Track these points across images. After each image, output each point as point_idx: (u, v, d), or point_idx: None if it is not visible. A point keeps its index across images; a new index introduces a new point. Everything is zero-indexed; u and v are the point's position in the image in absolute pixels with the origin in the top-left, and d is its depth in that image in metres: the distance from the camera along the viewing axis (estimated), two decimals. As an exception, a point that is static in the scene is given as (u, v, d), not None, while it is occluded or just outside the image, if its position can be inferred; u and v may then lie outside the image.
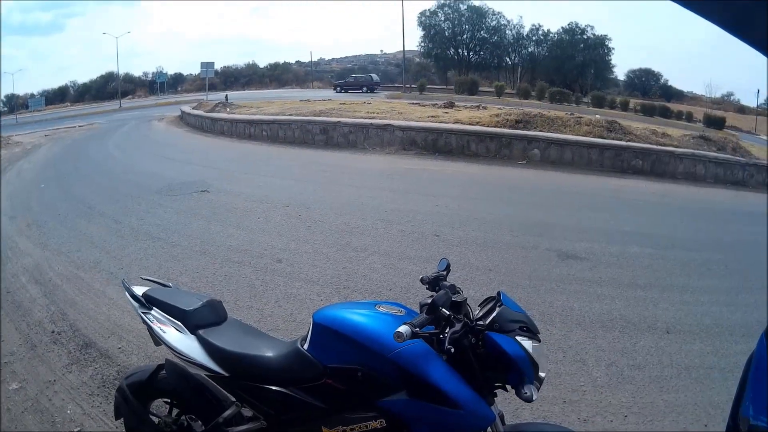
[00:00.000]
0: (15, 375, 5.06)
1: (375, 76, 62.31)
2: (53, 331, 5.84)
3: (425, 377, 2.25)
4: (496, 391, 2.36)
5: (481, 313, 2.43)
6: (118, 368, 4.94)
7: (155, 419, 3.14)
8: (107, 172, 16.83)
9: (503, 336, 2.25)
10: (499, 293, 2.47)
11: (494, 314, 2.33)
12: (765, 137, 34.36)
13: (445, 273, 2.67)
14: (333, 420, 2.47)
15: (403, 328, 2.05)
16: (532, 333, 2.32)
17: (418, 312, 2.38)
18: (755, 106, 54.15)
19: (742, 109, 57.89)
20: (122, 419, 3.24)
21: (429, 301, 2.29)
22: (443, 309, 2.24)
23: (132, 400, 3.08)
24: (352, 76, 63.08)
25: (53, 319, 6.18)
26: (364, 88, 54.54)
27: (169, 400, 3.17)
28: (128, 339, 5.47)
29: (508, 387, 2.30)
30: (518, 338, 2.25)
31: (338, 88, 56.93)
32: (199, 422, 3.04)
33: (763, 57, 1.18)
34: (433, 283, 2.59)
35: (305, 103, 30.34)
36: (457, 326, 2.22)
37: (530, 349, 2.25)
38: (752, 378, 1.29)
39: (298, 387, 2.54)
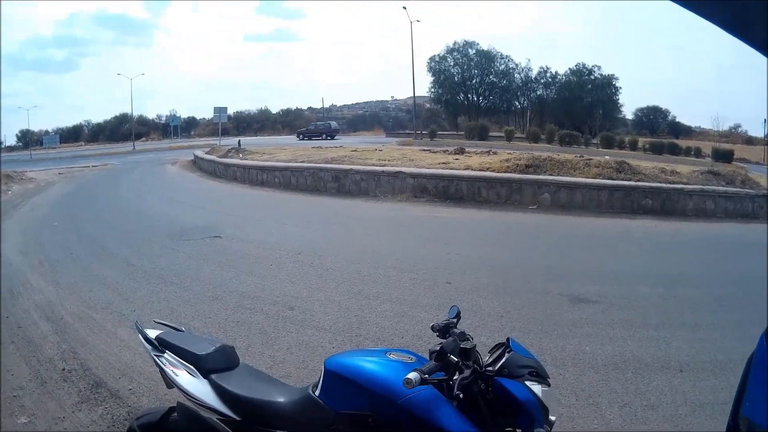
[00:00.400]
0: (24, 409, 5.06)
1: (334, 123, 67.47)
2: (64, 369, 5.86)
3: (435, 423, 2.26)
4: None
5: (490, 359, 2.45)
6: (128, 409, 4.93)
7: None
8: (120, 214, 16.98)
9: (512, 381, 2.27)
10: (508, 339, 2.51)
11: (503, 360, 2.35)
12: (768, 166, 34.18)
13: (455, 320, 2.69)
14: None
15: (413, 375, 2.08)
16: (541, 377, 2.34)
17: (428, 359, 2.40)
18: (763, 135, 54.44)
19: (750, 140, 58.03)
20: None
21: (438, 348, 2.32)
22: (451, 356, 2.27)
23: None
24: (313, 123, 67.94)
25: (64, 356, 6.19)
26: (324, 135, 59.36)
27: None
28: (139, 381, 5.47)
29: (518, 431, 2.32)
30: (527, 383, 2.27)
31: (301, 136, 61.73)
32: None
33: (763, 57, 1.21)
34: (444, 330, 2.61)
35: (317, 150, 30.58)
36: (466, 372, 2.26)
37: (540, 394, 2.27)
38: (752, 378, 1.31)
39: None
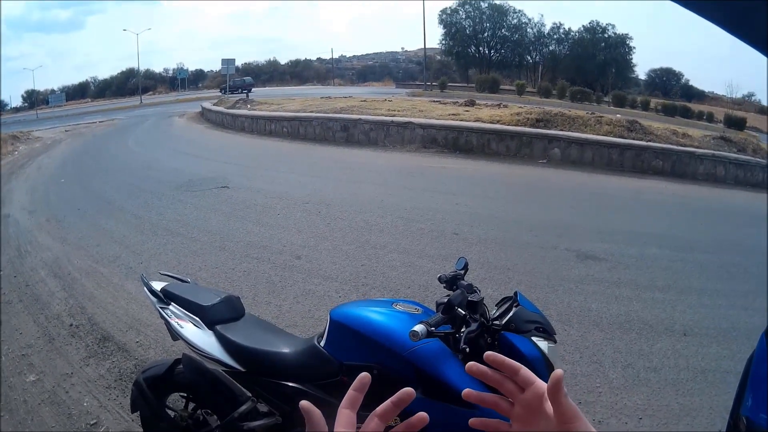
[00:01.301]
0: (32, 367, 5.13)
1: (248, 79, 68.80)
2: (71, 325, 5.93)
3: (440, 376, 2.25)
4: None
5: (497, 313, 2.43)
6: (136, 362, 4.99)
7: (171, 413, 3.19)
8: (127, 168, 16.98)
9: (519, 336, 2.26)
10: (516, 293, 2.48)
11: (510, 314, 2.34)
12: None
13: (462, 272, 2.63)
14: None
15: (419, 327, 2.05)
16: (548, 334, 2.33)
17: (435, 311, 2.39)
18: (775, 105, 53.22)
19: (762, 110, 56.95)
20: (138, 412, 3.29)
21: (445, 300, 2.29)
22: (459, 309, 2.24)
23: (148, 393, 3.11)
24: (232, 80, 67.02)
25: (72, 312, 6.26)
26: (239, 90, 59.01)
27: (185, 395, 3.20)
28: (146, 333, 5.53)
29: None
30: (534, 339, 2.26)
31: (222, 91, 61.73)
32: (215, 417, 3.07)
33: (763, 57, 1.19)
34: (451, 282, 2.55)
35: (326, 100, 30.28)
36: (473, 326, 2.23)
37: (545, 350, 2.26)
38: (752, 378, 1.30)
39: (313, 384, 2.56)
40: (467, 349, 2.15)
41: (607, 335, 5.35)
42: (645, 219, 9.88)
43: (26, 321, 6.18)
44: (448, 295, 2.35)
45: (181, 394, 3.24)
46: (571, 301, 6.08)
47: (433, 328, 2.11)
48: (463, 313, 2.25)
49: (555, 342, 2.35)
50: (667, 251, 8.04)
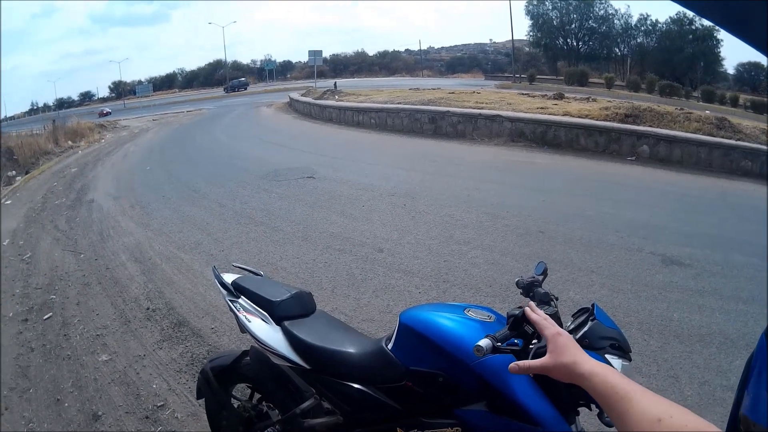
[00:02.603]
0: (106, 347, 5.31)
1: (243, 80, 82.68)
2: (148, 308, 6.10)
3: (507, 390, 2.17)
4: (579, 408, 2.23)
5: (572, 326, 2.30)
6: (209, 348, 5.08)
7: (235, 403, 3.23)
8: (213, 157, 17.45)
9: (592, 353, 2.09)
10: (593, 305, 2.35)
11: (585, 329, 2.22)
12: None
13: (541, 278, 2.50)
14: (409, 423, 2.44)
15: (484, 342, 1.92)
16: (623, 351, 2.21)
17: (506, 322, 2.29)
18: None
19: None
20: (203, 399, 3.38)
21: (516, 312, 2.10)
22: (528, 326, 2.08)
23: (214, 382, 3.16)
24: (230, 81, 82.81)
25: (149, 296, 6.44)
26: (237, 89, 75.65)
27: (250, 386, 3.24)
28: (222, 320, 5.61)
29: (592, 406, 2.17)
30: (608, 356, 2.14)
31: (226, 90, 77.12)
32: (277, 411, 3.08)
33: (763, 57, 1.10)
34: (528, 288, 2.43)
35: (414, 91, 30.27)
36: (543, 341, 2.12)
37: (619, 369, 2.10)
38: (752, 377, 1.20)
39: (377, 386, 2.53)
40: None
41: (686, 348, 5.08)
42: (732, 223, 9.34)
43: (104, 303, 6.40)
44: (520, 306, 2.17)
45: (247, 384, 3.29)
46: (653, 308, 5.80)
47: (499, 344, 1.98)
48: (532, 330, 2.08)
49: (629, 360, 2.23)
50: (754, 259, 7.55)
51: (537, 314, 1.58)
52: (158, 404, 4.25)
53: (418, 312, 2.53)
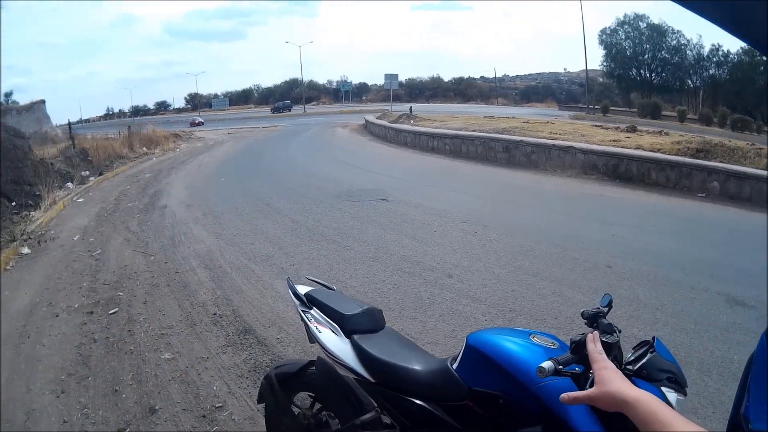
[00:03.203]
0: (169, 346, 5.42)
1: (287, 102, 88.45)
2: (215, 314, 6.19)
3: (564, 416, 2.17)
4: None
5: (632, 357, 2.32)
6: (272, 356, 5.11)
7: (296, 410, 3.27)
8: (288, 173, 17.72)
9: (649, 385, 2.14)
10: (653, 338, 2.36)
11: (644, 360, 2.23)
12: None
13: (606, 309, 2.46)
14: None
15: (547, 364, 1.97)
16: (679, 385, 2.21)
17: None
18: None
19: None
20: (264, 404, 3.44)
21: (579, 338, 2.17)
22: (589, 336, 2.13)
23: (277, 388, 3.22)
24: (278, 103, 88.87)
25: (217, 302, 6.54)
26: (282, 110, 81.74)
27: (312, 395, 3.27)
28: (288, 331, 5.64)
29: None
30: (664, 389, 2.15)
31: (272, 110, 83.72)
32: (337, 420, 3.11)
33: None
34: (592, 318, 2.39)
35: (489, 119, 30.26)
36: None
37: (674, 402, 2.13)
38: (752, 378, 1.31)
39: (438, 404, 2.55)
40: None
41: None
42: None
43: (170, 304, 6.54)
44: (584, 333, 2.20)
45: (309, 393, 3.31)
46: (714, 349, 5.62)
47: (561, 367, 2.02)
48: None
49: (685, 395, 2.23)
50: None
51: (595, 345, 1.64)
52: (216, 405, 4.31)
53: (485, 334, 2.58)
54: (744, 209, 13.19)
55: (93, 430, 4.09)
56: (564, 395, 1.42)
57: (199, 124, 58.61)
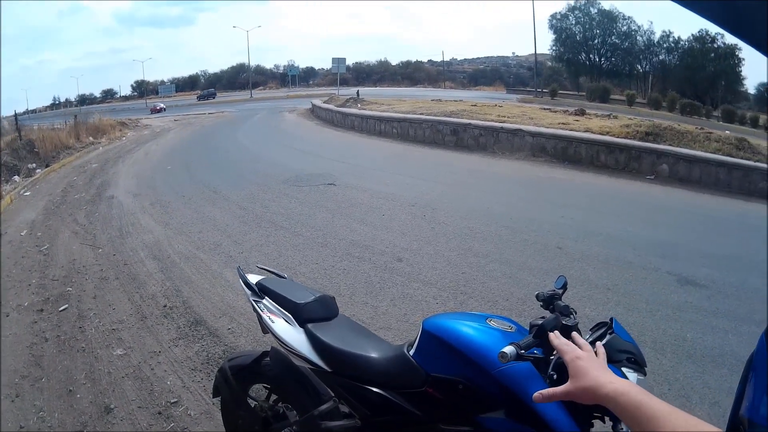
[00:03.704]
0: (121, 342, 5.35)
1: (212, 90, 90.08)
2: (165, 306, 6.13)
3: (526, 399, 2.19)
4: (593, 421, 2.24)
5: (590, 339, 2.33)
6: (225, 348, 5.09)
7: (252, 402, 3.26)
8: (235, 160, 17.59)
9: (610, 366, 2.15)
10: (611, 320, 2.40)
11: (603, 342, 2.25)
12: None
13: (561, 291, 2.52)
14: (427, 429, 2.49)
15: (509, 349, 1.99)
16: (638, 365, 2.27)
17: (528, 332, 2.31)
18: None
19: None
20: (220, 398, 3.40)
21: (539, 322, 2.20)
22: (551, 334, 2.19)
23: (232, 381, 3.21)
24: (204, 91, 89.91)
25: (167, 294, 6.48)
26: (206, 98, 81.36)
27: (268, 387, 3.26)
28: (239, 321, 5.63)
29: (606, 419, 2.16)
30: (624, 369, 2.20)
31: (198, 98, 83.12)
32: (295, 412, 3.11)
33: (763, 57, 1.15)
34: (548, 301, 2.45)
35: (436, 102, 30.61)
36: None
37: (634, 382, 2.13)
38: (752, 378, 1.26)
39: (397, 391, 2.56)
40: (554, 376, 2.10)
41: (698, 368, 5.07)
42: (751, 245, 9.29)
43: (120, 298, 6.45)
44: (542, 317, 2.27)
45: (265, 385, 3.31)
46: (667, 328, 5.79)
47: (523, 351, 2.05)
48: None
49: (644, 375, 2.29)
50: (770, 282, 7.55)
51: (559, 340, 1.59)
52: (172, 401, 4.27)
53: (441, 320, 2.58)
54: (693, 192, 13.51)
55: (50, 434, 4.02)
56: (537, 394, 1.40)
57: (161, 110, 56.65)
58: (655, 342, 5.36)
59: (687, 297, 6.59)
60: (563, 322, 2.20)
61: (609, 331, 2.30)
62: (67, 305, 6.33)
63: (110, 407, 4.24)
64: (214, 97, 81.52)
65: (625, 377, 2.13)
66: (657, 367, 4.87)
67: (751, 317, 6.17)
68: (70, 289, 6.86)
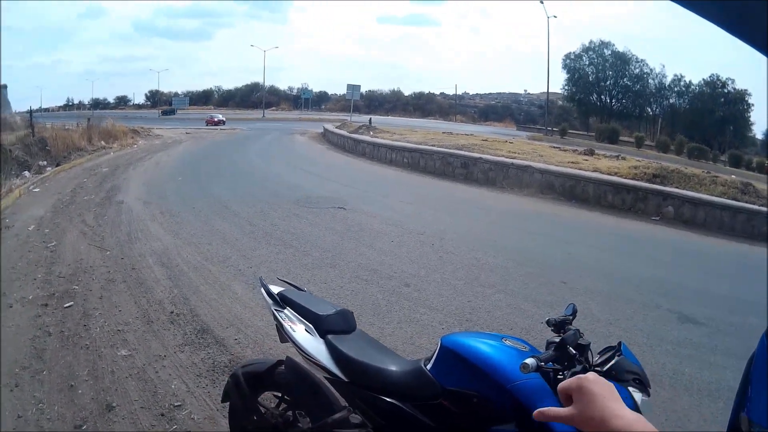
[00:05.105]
0: (126, 343, 5.34)
1: (173, 107, 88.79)
2: (172, 312, 6.11)
3: None
4: None
5: (599, 360, 2.48)
6: (231, 357, 5.07)
7: (262, 409, 3.27)
8: (246, 176, 17.67)
9: (617, 384, 2.23)
10: (620, 343, 2.54)
11: (613, 362, 2.39)
12: None
13: (571, 317, 2.66)
14: None
15: (530, 360, 2.10)
16: (644, 386, 2.38)
17: (543, 350, 2.44)
18: None
19: None
20: (228, 403, 3.43)
21: (557, 339, 2.37)
22: (571, 348, 2.33)
23: (244, 386, 3.23)
24: (167, 107, 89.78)
25: (174, 301, 6.46)
26: (168, 114, 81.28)
27: (279, 395, 3.30)
28: (246, 333, 5.62)
29: None
30: (630, 389, 2.30)
31: (161, 113, 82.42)
32: (307, 419, 3.14)
33: (763, 57, 1.19)
34: (559, 325, 2.57)
35: (447, 135, 30.69)
36: (578, 368, 2.28)
37: (639, 402, 2.30)
38: (753, 378, 1.35)
39: (412, 403, 2.60)
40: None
41: (695, 401, 5.14)
42: (751, 287, 9.32)
43: (127, 300, 6.44)
44: (558, 336, 2.42)
45: (275, 393, 3.35)
46: (666, 362, 5.86)
47: (542, 363, 2.16)
48: (574, 352, 2.33)
49: (648, 395, 2.40)
50: (768, 322, 7.54)
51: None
52: (175, 404, 4.27)
53: (459, 337, 2.68)
54: (697, 234, 13.59)
55: (49, 427, 3.98)
56: (538, 412, 1.20)
57: (219, 122, 54.40)
58: (653, 375, 5.34)
59: (686, 334, 6.66)
60: (579, 341, 2.38)
61: (618, 353, 2.45)
62: (72, 302, 6.31)
63: (112, 405, 4.22)
64: (174, 114, 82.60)
65: (632, 396, 2.26)
66: (655, 398, 4.85)
67: (748, 355, 6.17)
68: (76, 287, 6.85)
